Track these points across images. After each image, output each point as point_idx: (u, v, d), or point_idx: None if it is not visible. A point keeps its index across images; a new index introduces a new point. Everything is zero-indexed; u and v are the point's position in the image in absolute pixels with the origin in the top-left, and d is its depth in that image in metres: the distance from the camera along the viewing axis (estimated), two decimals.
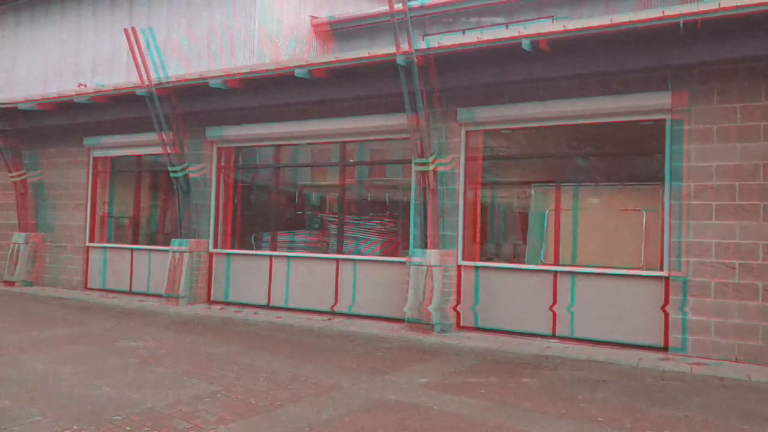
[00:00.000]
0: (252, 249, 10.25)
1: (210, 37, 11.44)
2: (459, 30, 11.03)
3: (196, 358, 6.18)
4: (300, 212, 10.89)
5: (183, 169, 10.15)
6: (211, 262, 10.33)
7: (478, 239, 8.31)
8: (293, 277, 9.52)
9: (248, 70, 9.00)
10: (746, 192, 6.46)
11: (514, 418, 4.41)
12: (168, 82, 9.65)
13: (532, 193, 8.19)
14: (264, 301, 9.72)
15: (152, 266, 10.88)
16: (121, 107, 10.60)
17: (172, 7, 11.92)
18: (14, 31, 14.19)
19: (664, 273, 6.86)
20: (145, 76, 9.66)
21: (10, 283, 12.02)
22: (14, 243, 12.15)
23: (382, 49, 8.03)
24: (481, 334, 7.70)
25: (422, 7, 9.90)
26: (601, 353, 6.68)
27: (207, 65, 10.82)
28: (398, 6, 7.65)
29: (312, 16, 12.35)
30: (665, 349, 6.75)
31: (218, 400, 4.66)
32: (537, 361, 6.33)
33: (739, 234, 6.46)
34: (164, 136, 9.95)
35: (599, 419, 4.42)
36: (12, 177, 12.25)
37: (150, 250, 11.08)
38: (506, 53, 7.14)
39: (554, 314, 7.45)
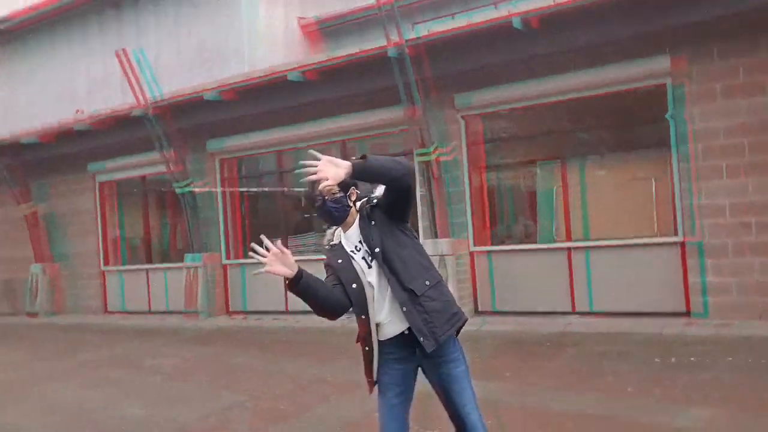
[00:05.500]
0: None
1: (200, 49, 11.44)
2: (448, 15, 10.94)
3: (221, 370, 6.23)
4: (307, 215, 10.90)
5: (188, 185, 10.20)
6: (225, 273, 10.39)
7: (488, 223, 8.28)
8: None
9: (242, 79, 9.01)
10: (756, 148, 6.35)
11: (538, 397, 4.40)
12: (163, 100, 9.69)
13: (538, 171, 8.14)
14: (282, 308, 9.74)
15: (168, 284, 10.95)
16: (121, 130, 10.65)
17: (159, 24, 11.93)
18: (9, 64, 14.29)
19: (679, 238, 6.79)
20: (140, 96, 9.70)
21: (33, 315, 12.17)
22: (32, 274, 12.30)
23: (372, 43, 7.99)
24: (500, 317, 7.68)
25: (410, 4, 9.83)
26: (623, 325, 6.64)
27: (200, 78, 10.82)
28: None
29: (299, 18, 12.30)
30: (687, 314, 6.69)
31: (247, 410, 4.70)
32: (559, 339, 6.31)
33: (753, 191, 6.37)
34: (166, 154, 10.00)
35: (628, 390, 4.40)
36: (22, 210, 12.38)
37: (165, 268, 11.15)
38: (498, 34, 7.08)
39: (572, 290, 7.41)
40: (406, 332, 2.39)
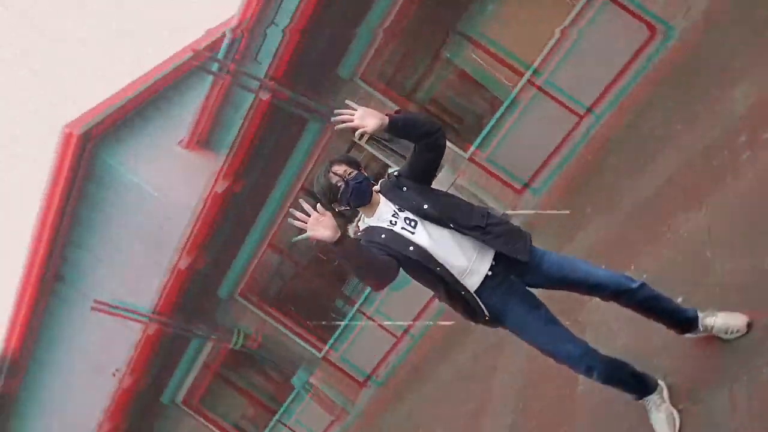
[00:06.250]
0: (338, 321, 10.32)
1: (138, 244, 11.37)
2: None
3: (405, 427, 6.26)
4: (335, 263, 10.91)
5: (238, 338, 10.29)
6: (330, 362, 10.42)
7: (455, 129, 8.23)
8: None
9: (189, 232, 9.07)
10: None
11: (624, 208, 4.33)
12: (156, 309, 9.80)
13: (450, 57, 8.07)
14: (389, 344, 9.68)
15: (304, 414, 10.95)
16: (151, 351, 10.72)
17: (97, 268, 11.91)
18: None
19: None
20: (141, 319, 9.83)
21: None
22: None
23: (246, 104, 7.93)
24: (538, 181, 7.62)
25: (231, 47, 9.67)
26: (629, 81, 6.50)
27: (162, 264, 10.78)
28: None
29: (179, 142, 12.17)
30: (660, 27, 6.52)
31: None
32: (597, 145, 6.26)
33: None
34: (201, 334, 10.12)
35: (679, 127, 4.35)
36: None
37: (289, 404, 11.15)
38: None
39: (565, 107, 7.30)
40: (489, 273, 2.37)
